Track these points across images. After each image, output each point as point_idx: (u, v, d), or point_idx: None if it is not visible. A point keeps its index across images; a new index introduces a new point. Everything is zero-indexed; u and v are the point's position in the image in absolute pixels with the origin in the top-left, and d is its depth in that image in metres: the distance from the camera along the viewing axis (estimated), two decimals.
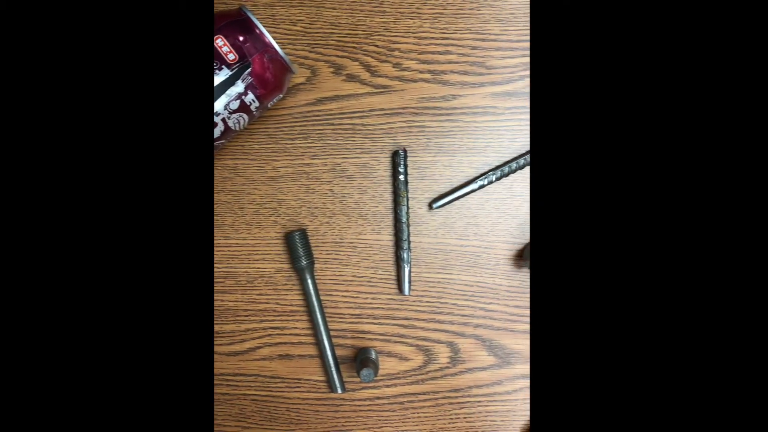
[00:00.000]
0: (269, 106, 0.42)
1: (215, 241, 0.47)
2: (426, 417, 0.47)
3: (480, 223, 0.47)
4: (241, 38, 0.39)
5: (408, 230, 0.46)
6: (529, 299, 0.47)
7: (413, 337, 0.47)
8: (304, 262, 0.45)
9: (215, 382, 0.47)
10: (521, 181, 0.47)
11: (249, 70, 0.39)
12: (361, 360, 0.43)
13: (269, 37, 0.39)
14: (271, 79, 0.40)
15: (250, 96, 0.40)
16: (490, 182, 0.46)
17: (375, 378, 0.46)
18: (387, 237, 0.47)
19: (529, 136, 0.47)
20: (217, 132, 0.40)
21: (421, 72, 0.47)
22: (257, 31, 0.39)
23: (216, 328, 0.47)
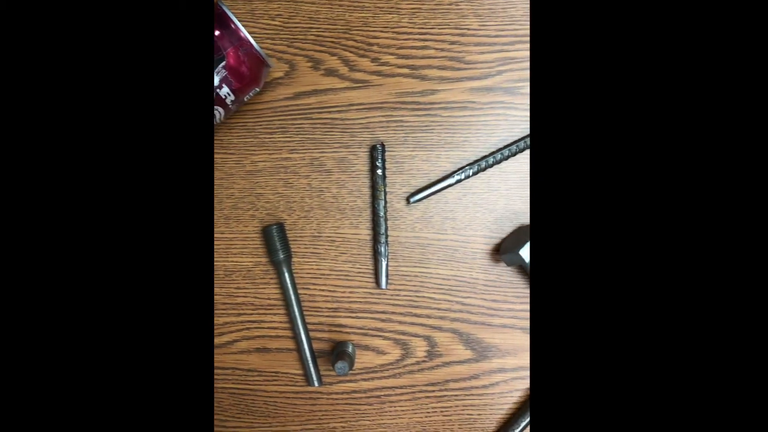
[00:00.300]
0: (246, 100, 0.42)
1: None
2: (403, 410, 0.47)
3: (457, 218, 0.47)
4: (216, 32, 0.39)
5: (385, 224, 0.46)
6: (506, 293, 0.47)
7: (390, 331, 0.47)
8: (281, 256, 0.45)
9: None
10: (498, 175, 0.47)
11: (223, 63, 0.39)
12: (336, 353, 0.43)
13: (244, 31, 0.39)
14: (247, 73, 0.40)
15: (225, 89, 0.40)
16: (467, 177, 0.46)
17: (351, 371, 0.47)
18: (365, 231, 0.47)
19: (507, 130, 0.47)
20: None
21: (399, 67, 0.47)
22: (233, 25, 0.39)
23: None
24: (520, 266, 0.46)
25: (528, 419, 0.45)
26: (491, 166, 0.46)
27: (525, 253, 0.42)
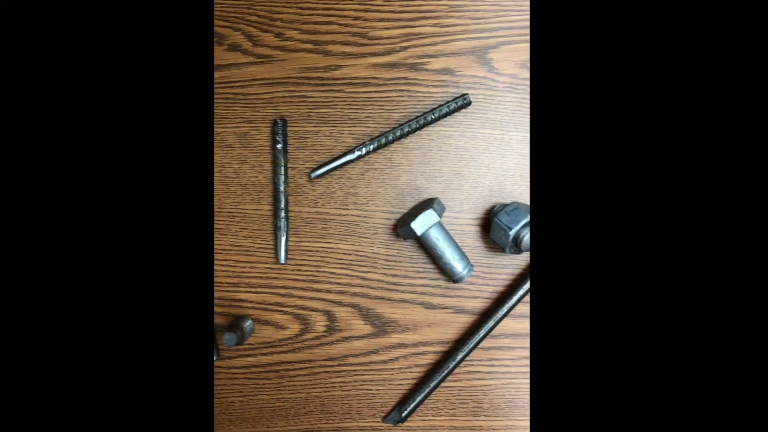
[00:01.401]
0: None
1: None
2: (301, 385, 0.47)
3: (360, 193, 0.47)
4: None
5: (285, 199, 0.46)
6: (406, 268, 0.47)
7: (290, 306, 0.47)
8: None
9: None
10: (401, 151, 0.47)
11: None
12: (228, 326, 0.43)
13: None
14: None
15: None
16: (368, 152, 0.46)
17: (242, 344, 0.46)
18: (266, 207, 0.47)
19: (411, 106, 0.47)
20: None
21: (303, 42, 0.47)
22: None
23: None
24: (416, 239, 0.46)
25: (424, 393, 0.45)
26: (392, 142, 0.46)
27: (416, 225, 0.42)
